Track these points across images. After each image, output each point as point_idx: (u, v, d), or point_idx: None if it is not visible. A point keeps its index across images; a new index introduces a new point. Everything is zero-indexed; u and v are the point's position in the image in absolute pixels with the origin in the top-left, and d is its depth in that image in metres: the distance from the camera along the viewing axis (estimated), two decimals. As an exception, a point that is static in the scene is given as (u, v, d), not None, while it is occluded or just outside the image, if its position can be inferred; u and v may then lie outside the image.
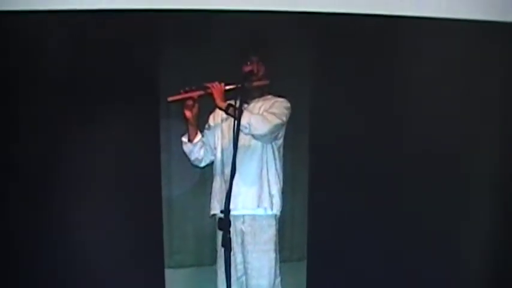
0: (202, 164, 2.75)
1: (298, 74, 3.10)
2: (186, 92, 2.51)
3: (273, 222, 2.60)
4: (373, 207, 2.77)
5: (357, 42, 2.70)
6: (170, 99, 2.52)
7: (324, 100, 2.92)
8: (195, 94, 2.51)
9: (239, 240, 2.58)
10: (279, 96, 2.66)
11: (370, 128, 2.77)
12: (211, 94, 2.48)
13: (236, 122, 2.18)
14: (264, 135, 2.47)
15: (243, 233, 2.57)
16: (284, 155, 2.69)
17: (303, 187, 3.17)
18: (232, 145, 2.15)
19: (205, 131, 2.73)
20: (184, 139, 2.68)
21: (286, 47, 2.95)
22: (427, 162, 2.65)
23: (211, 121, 2.74)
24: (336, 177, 2.87)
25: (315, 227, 3.01)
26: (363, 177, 2.80)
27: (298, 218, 3.25)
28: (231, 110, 2.43)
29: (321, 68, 2.93)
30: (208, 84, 2.50)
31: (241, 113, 2.26)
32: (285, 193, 2.68)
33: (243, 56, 2.60)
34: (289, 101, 2.64)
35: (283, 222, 2.90)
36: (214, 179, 2.67)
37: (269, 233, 2.58)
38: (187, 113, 2.56)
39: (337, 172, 2.87)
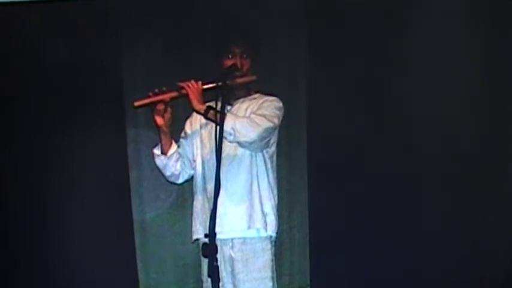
0: (180, 180, 2.72)
1: (291, 66, 3.05)
2: (156, 94, 2.46)
3: (268, 246, 2.57)
4: (384, 224, 2.76)
5: (358, 22, 2.72)
6: (137, 103, 2.47)
7: (323, 97, 2.88)
8: (167, 96, 2.46)
9: (228, 269, 2.54)
10: (269, 94, 2.63)
11: (379, 128, 2.75)
12: (186, 95, 2.43)
13: (218, 127, 2.13)
14: (253, 142, 2.41)
15: (232, 259, 2.53)
16: (278, 165, 2.67)
17: (302, 202, 3.11)
18: (214, 156, 2.09)
19: (182, 140, 2.70)
20: (157, 151, 2.64)
21: (274, 34, 2.93)
22: (443, 169, 2.65)
23: (188, 128, 2.71)
24: (341, 189, 2.83)
25: (319, 248, 2.98)
26: (372, 188, 2.78)
27: (298, 238, 3.18)
28: (211, 113, 2.38)
29: (317, 56, 2.88)
30: (183, 84, 2.44)
31: (223, 116, 2.20)
32: (281, 210, 2.66)
33: (223, 47, 2.55)
34: (281, 99, 2.60)
35: (280, 245, 2.90)
36: (196, 198, 2.64)
37: (264, 258, 2.54)
38: (159, 120, 2.51)
39: (341, 183, 2.84)
